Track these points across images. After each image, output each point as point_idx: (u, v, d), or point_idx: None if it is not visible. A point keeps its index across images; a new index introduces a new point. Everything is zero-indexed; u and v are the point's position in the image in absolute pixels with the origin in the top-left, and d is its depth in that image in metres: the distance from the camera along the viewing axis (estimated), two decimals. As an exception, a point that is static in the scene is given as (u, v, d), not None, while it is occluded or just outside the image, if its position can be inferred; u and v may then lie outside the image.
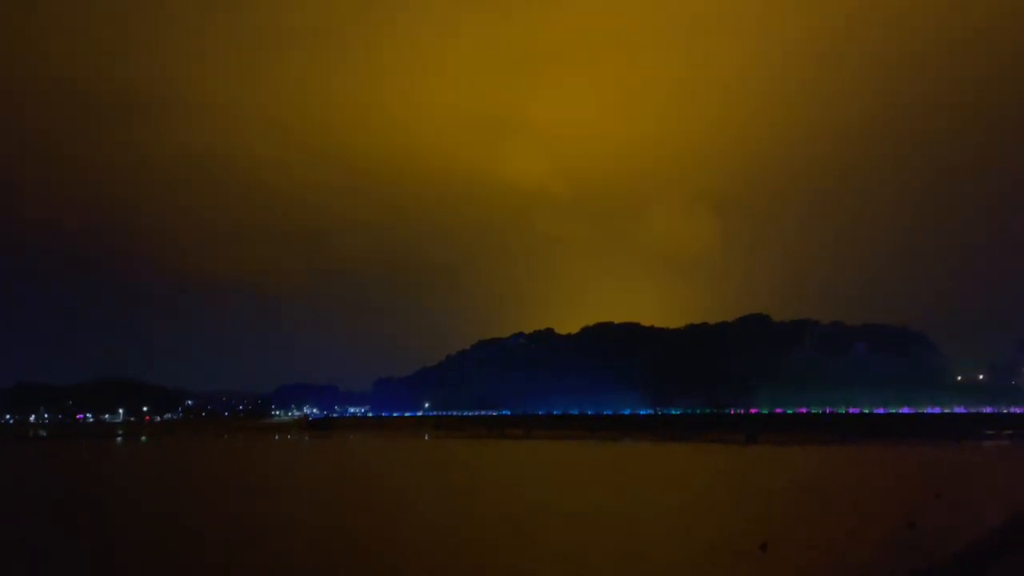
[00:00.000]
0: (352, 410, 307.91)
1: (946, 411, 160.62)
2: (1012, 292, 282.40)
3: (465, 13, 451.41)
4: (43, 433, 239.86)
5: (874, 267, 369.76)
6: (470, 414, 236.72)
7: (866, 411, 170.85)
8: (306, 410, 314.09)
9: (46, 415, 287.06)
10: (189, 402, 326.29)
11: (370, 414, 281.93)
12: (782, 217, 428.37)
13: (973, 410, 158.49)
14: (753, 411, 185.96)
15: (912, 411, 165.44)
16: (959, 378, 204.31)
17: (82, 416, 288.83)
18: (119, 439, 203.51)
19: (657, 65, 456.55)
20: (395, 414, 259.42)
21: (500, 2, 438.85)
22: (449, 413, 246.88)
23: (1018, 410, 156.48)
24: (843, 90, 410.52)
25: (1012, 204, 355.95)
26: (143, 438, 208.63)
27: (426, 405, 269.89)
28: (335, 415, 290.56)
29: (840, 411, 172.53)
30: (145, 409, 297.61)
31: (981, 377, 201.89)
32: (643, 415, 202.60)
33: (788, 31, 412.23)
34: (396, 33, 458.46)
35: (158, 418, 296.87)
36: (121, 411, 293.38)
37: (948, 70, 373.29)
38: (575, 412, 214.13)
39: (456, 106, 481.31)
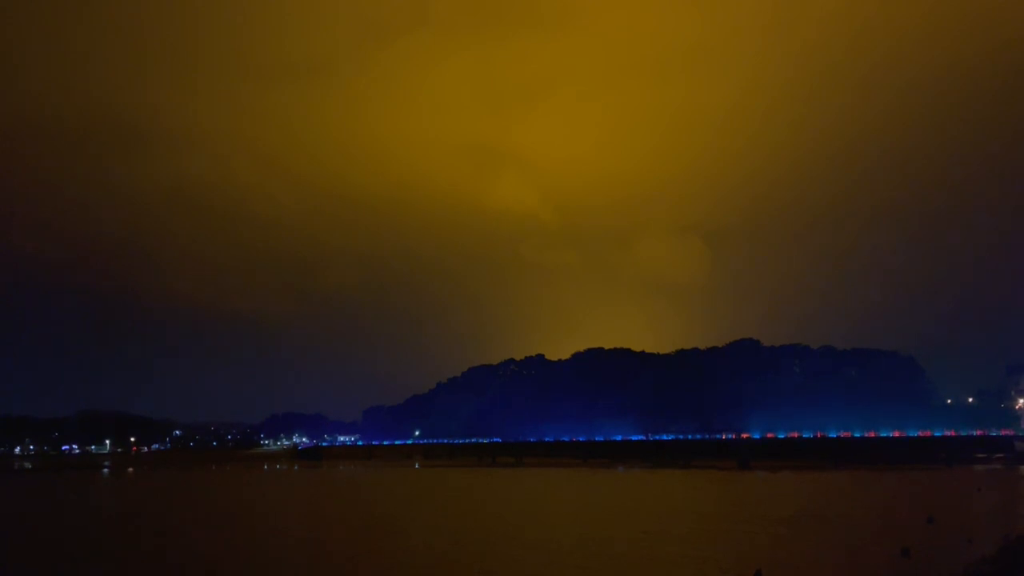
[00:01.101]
0: (342, 439, 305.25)
1: (937, 435, 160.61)
2: (1000, 316, 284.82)
3: (455, 44, 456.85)
4: (28, 465, 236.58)
5: (864, 292, 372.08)
6: (460, 442, 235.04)
7: (857, 435, 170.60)
8: (295, 439, 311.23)
9: (31, 447, 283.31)
10: (177, 432, 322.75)
11: (360, 443, 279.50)
12: (772, 244, 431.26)
13: (964, 434, 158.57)
14: (745, 436, 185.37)
15: (903, 435, 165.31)
16: (949, 402, 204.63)
17: (68, 448, 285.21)
18: (105, 471, 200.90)
19: (647, 96, 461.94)
20: (385, 443, 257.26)
21: (490, 33, 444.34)
22: (439, 441, 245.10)
23: (1008, 433, 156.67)
24: (832, 122, 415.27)
25: (1001, 232, 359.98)
26: (130, 469, 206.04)
27: (416, 433, 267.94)
28: (324, 444, 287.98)
29: (832, 435, 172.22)
30: (132, 440, 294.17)
31: (971, 400, 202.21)
32: (635, 441, 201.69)
33: (780, 65, 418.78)
34: (386, 64, 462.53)
35: (145, 449, 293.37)
36: (108, 442, 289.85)
37: (940, 101, 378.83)
38: (566, 439, 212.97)
39: (446, 136, 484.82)
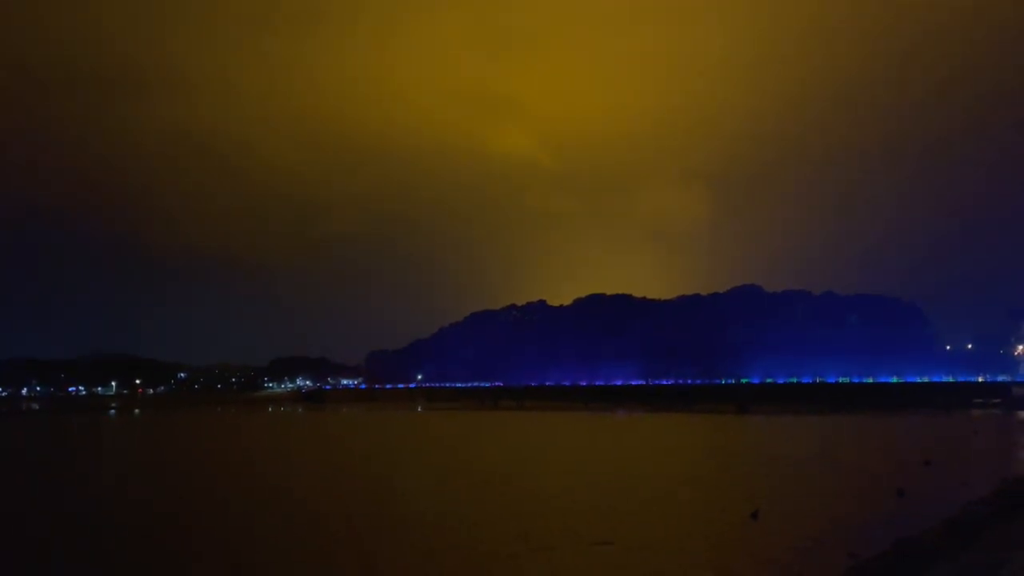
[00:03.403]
0: (345, 382, 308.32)
1: (935, 380, 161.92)
2: (1001, 262, 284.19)
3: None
4: (35, 406, 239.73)
5: (865, 239, 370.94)
6: (463, 386, 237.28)
7: (857, 381, 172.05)
8: (299, 382, 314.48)
9: (38, 388, 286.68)
10: (182, 375, 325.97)
11: (363, 386, 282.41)
12: (774, 189, 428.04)
13: (962, 379, 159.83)
14: (744, 381, 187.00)
15: (902, 381, 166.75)
16: (948, 348, 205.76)
17: (74, 389, 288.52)
18: (112, 412, 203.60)
19: (646, 40, 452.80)
20: (388, 386, 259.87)
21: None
22: (442, 385, 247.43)
23: (1007, 379, 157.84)
24: (834, 63, 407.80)
25: (1002, 176, 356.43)
26: (136, 411, 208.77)
27: (419, 377, 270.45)
28: (328, 387, 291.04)
29: (831, 381, 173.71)
30: (138, 382, 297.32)
31: (970, 347, 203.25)
32: (635, 386, 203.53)
33: (782, 11, 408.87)
34: (386, 9, 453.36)
35: (151, 391, 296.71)
36: (114, 384, 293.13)
37: (940, 44, 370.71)
38: (567, 383, 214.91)
39: (446, 82, 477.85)
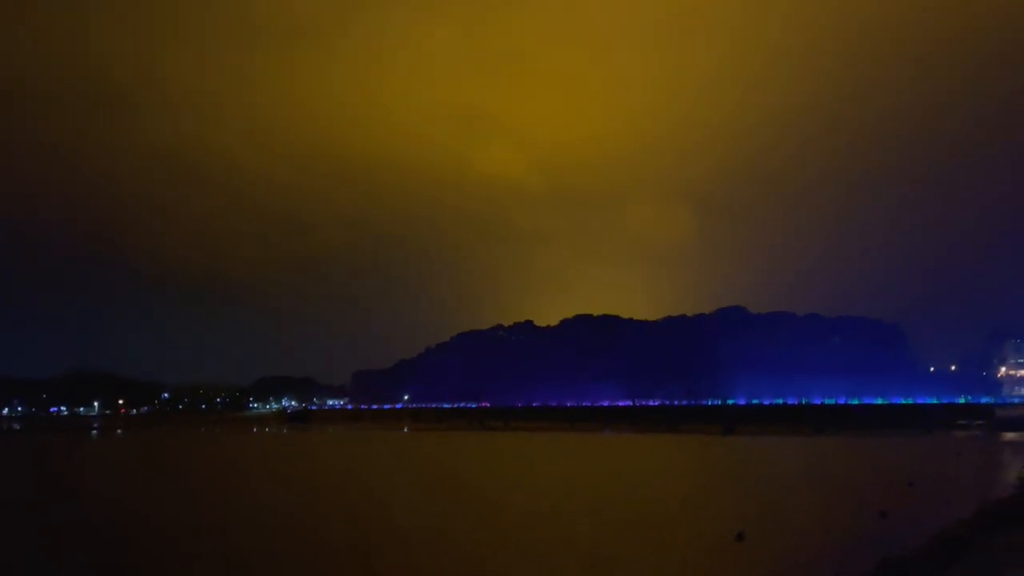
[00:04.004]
0: (331, 402, 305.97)
1: (919, 402, 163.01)
2: (983, 285, 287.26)
3: (443, 10, 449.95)
4: (16, 427, 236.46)
5: (849, 261, 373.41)
6: (449, 406, 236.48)
7: (841, 402, 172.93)
8: (284, 403, 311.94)
9: (19, 408, 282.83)
10: (165, 395, 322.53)
11: (349, 406, 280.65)
12: (759, 211, 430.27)
13: (945, 401, 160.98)
14: (730, 402, 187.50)
15: (886, 402, 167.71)
16: (932, 369, 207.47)
17: (56, 409, 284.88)
18: (94, 432, 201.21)
19: (633, 61, 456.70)
20: (374, 407, 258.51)
21: (480, 2, 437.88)
22: (428, 405, 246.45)
23: (989, 401, 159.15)
24: (819, 91, 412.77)
25: (984, 201, 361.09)
26: (119, 431, 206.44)
27: (405, 397, 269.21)
28: (313, 408, 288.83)
29: (816, 402, 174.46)
30: (121, 402, 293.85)
31: (953, 368, 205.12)
32: (622, 406, 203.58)
33: (769, 30, 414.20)
34: (376, 31, 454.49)
35: (134, 411, 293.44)
36: (96, 404, 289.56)
37: (925, 69, 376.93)
38: (554, 404, 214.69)
39: (434, 101, 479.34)
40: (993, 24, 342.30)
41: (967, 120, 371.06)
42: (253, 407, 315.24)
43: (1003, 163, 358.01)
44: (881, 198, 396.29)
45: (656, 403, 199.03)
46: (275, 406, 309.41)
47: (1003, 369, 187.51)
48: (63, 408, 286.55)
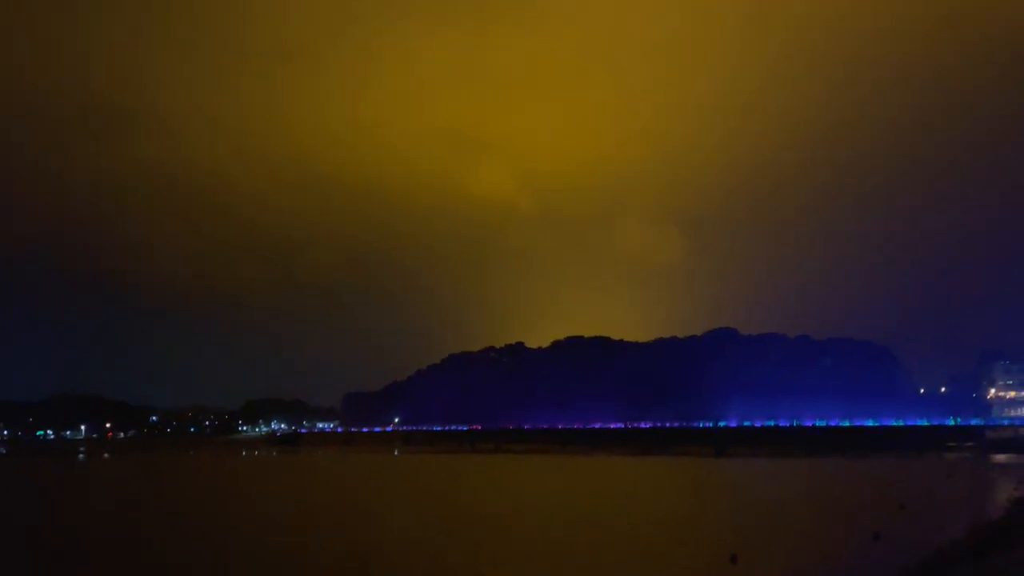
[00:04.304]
0: (321, 425, 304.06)
1: (910, 424, 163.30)
2: (973, 306, 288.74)
3: (435, 33, 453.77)
4: (2, 450, 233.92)
5: (839, 282, 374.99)
6: (440, 429, 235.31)
7: (832, 424, 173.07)
8: (274, 425, 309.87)
9: (5, 432, 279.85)
10: (153, 418, 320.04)
11: (339, 429, 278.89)
12: (749, 233, 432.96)
13: (936, 423, 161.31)
14: (722, 424, 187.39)
15: (876, 424, 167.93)
16: (922, 391, 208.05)
17: (42, 433, 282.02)
18: (81, 456, 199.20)
19: (626, 86, 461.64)
20: (364, 429, 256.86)
21: (471, 23, 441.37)
22: (419, 428, 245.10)
23: (980, 423, 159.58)
24: (809, 114, 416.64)
25: (975, 222, 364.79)
26: (106, 455, 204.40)
27: (396, 420, 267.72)
28: (303, 430, 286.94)
29: (807, 424, 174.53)
30: (108, 426, 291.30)
31: (943, 390, 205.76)
32: (613, 429, 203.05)
33: (760, 55, 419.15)
34: (368, 52, 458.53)
35: (121, 435, 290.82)
36: (83, 427, 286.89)
37: (916, 94, 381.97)
38: (545, 426, 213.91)
39: (426, 122, 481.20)
40: (987, 51, 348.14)
41: (958, 145, 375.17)
42: (242, 430, 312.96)
43: (994, 186, 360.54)
44: (871, 221, 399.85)
45: (648, 425, 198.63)
46: (265, 429, 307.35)
47: (992, 391, 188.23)
48: (50, 432, 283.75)
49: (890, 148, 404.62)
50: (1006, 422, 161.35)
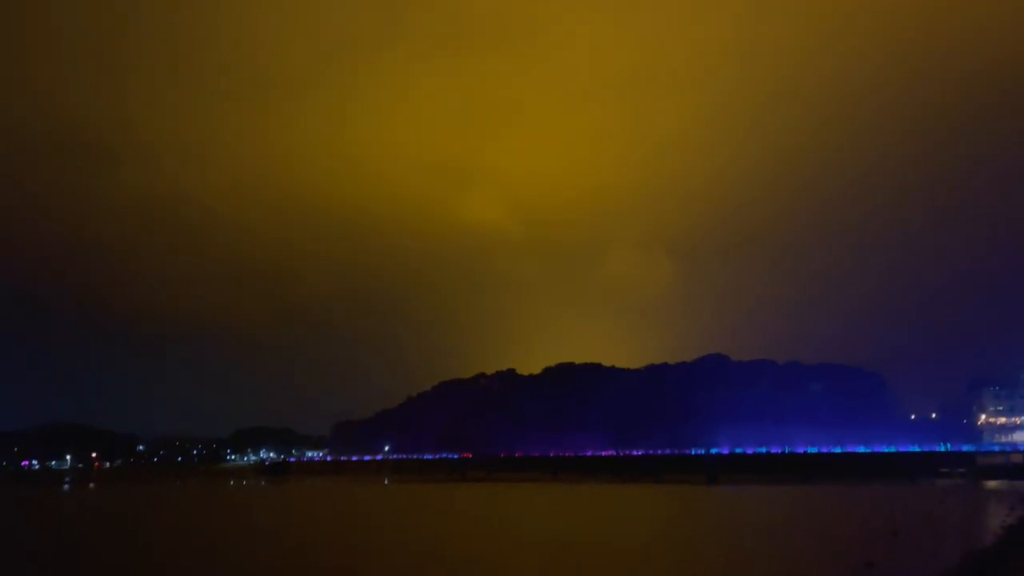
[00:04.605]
0: (310, 454, 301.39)
1: (901, 450, 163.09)
2: (962, 332, 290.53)
3: (428, 62, 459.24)
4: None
5: (829, 308, 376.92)
6: (430, 457, 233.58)
7: (824, 451, 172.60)
8: (263, 454, 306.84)
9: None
10: (140, 447, 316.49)
11: (328, 458, 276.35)
12: (739, 259, 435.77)
13: (927, 449, 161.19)
14: (714, 451, 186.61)
15: (868, 450, 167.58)
16: (913, 417, 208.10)
17: (27, 463, 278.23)
18: (66, 486, 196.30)
19: (615, 114, 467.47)
20: (354, 458, 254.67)
21: (462, 53, 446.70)
22: (409, 456, 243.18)
23: (971, 449, 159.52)
24: (798, 144, 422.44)
25: (963, 248, 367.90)
26: (91, 485, 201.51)
27: (386, 448, 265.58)
28: (292, 459, 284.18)
29: (799, 451, 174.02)
30: (94, 455, 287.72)
31: (934, 416, 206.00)
32: (605, 457, 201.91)
33: (748, 85, 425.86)
34: (359, 79, 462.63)
35: (107, 464, 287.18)
36: (69, 457, 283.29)
37: (909, 126, 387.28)
38: (537, 454, 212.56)
39: (418, 151, 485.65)
40: (974, 89, 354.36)
41: (949, 176, 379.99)
42: (231, 459, 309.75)
43: (982, 215, 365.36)
44: (860, 248, 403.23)
45: (640, 453, 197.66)
46: (253, 458, 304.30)
47: (983, 417, 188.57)
48: (35, 461, 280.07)
49: (880, 179, 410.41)
50: (996, 448, 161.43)
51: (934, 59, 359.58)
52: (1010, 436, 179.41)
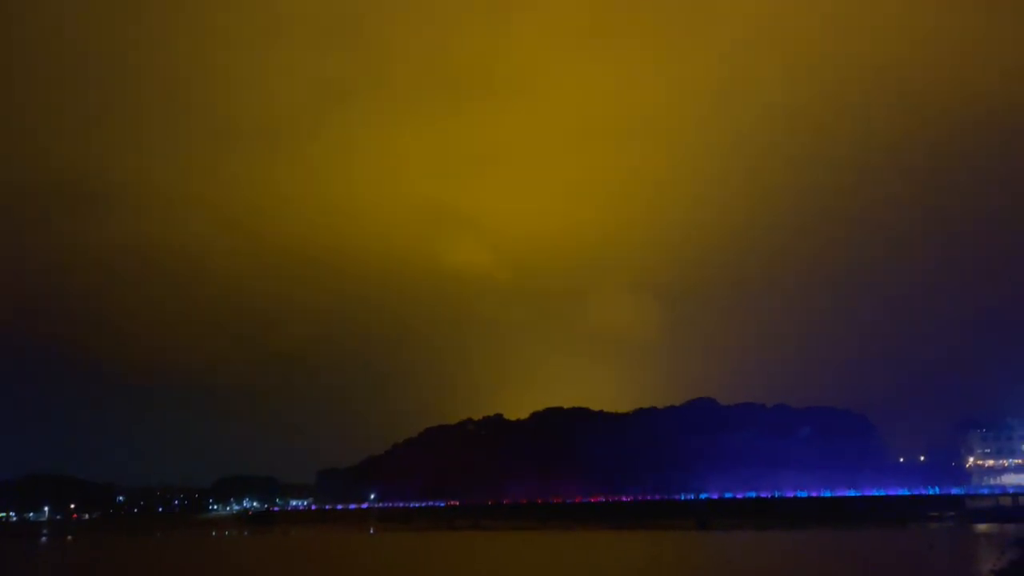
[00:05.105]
0: (294, 503, 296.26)
1: (891, 494, 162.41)
2: (948, 374, 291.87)
3: (411, 109, 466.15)
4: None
5: (816, 350, 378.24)
6: (417, 505, 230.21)
7: (814, 495, 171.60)
8: (246, 503, 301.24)
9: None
10: (120, 498, 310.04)
11: (313, 507, 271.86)
12: (725, 303, 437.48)
13: (916, 492, 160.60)
14: (703, 496, 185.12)
15: (858, 494, 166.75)
16: (901, 460, 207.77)
17: (3, 515, 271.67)
18: (43, 539, 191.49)
19: (598, 159, 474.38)
20: (339, 507, 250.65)
21: (445, 100, 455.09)
22: (395, 504, 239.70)
23: (960, 492, 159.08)
24: (780, 185, 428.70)
25: (947, 290, 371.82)
26: (68, 537, 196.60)
27: (371, 496, 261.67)
28: (276, 509, 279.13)
29: (788, 495, 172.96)
30: (72, 506, 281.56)
31: (922, 459, 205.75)
32: (594, 503, 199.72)
33: (729, 126, 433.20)
34: (342, 126, 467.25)
35: (86, 515, 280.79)
36: (46, 509, 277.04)
37: (883, 164, 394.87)
38: (524, 501, 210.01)
39: (401, 197, 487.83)
40: (973, 129, 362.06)
41: (934, 216, 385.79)
42: (213, 509, 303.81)
43: (966, 257, 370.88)
44: (846, 291, 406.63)
45: (629, 498, 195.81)
46: (236, 507, 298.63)
47: (971, 459, 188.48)
48: (12, 514, 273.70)
49: (869, 223, 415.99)
50: (985, 491, 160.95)
51: (932, 105, 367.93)
52: (998, 478, 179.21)
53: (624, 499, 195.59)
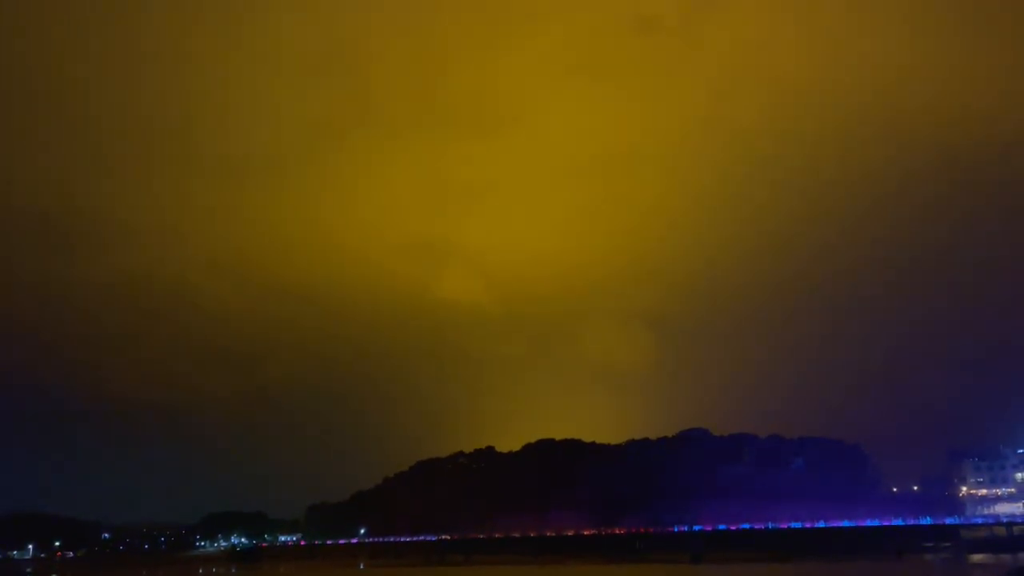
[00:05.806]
0: (283, 538, 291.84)
1: (886, 524, 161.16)
2: (941, 403, 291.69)
3: (400, 144, 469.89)
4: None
5: (810, 381, 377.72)
6: (407, 540, 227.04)
7: (808, 526, 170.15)
8: (234, 539, 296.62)
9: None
10: (106, 535, 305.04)
11: (303, 542, 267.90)
12: (718, 333, 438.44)
13: (911, 523, 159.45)
14: (697, 528, 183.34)
15: (854, 525, 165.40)
16: (895, 490, 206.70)
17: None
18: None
19: (588, 191, 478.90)
20: (328, 542, 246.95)
21: (434, 134, 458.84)
22: (386, 539, 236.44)
23: (955, 522, 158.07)
24: (771, 214, 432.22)
25: (942, 320, 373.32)
26: (53, 575, 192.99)
27: (362, 531, 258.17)
28: (265, 544, 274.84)
29: (782, 527, 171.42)
30: (57, 544, 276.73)
31: (916, 488, 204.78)
32: (587, 536, 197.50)
33: (717, 156, 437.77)
34: (331, 161, 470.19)
35: (71, 553, 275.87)
36: (31, 547, 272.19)
37: (875, 191, 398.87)
38: (517, 535, 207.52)
39: (391, 231, 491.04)
40: (975, 161, 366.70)
41: (923, 245, 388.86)
42: (200, 546, 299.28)
43: (958, 286, 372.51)
44: (838, 320, 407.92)
45: (622, 531, 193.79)
46: (224, 544, 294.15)
47: (964, 488, 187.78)
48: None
49: (862, 255, 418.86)
50: (979, 520, 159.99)
51: (928, 139, 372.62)
52: (992, 508, 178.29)
53: (618, 532, 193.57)
